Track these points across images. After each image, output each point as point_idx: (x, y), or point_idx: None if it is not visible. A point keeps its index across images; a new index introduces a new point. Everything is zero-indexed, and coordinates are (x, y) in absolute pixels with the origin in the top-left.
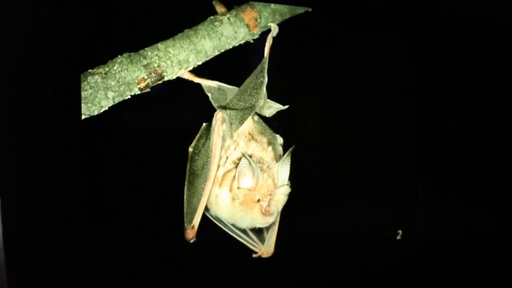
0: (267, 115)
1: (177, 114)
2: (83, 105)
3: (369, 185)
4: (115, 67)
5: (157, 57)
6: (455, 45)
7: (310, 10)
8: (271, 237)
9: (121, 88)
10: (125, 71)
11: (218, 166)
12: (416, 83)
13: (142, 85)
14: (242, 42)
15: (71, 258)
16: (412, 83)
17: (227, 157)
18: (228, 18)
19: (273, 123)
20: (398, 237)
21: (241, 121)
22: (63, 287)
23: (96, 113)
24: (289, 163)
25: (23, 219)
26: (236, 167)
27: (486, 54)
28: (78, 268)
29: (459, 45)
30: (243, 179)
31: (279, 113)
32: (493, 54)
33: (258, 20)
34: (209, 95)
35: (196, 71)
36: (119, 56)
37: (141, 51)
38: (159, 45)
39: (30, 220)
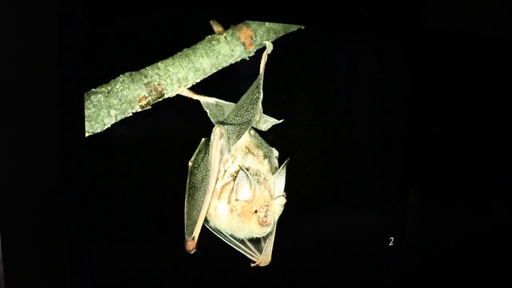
0: (263, 129)
1: (177, 130)
2: (86, 123)
3: (362, 194)
4: (117, 86)
5: (157, 76)
6: (444, 57)
7: (303, 28)
8: (268, 247)
9: (123, 106)
10: (127, 89)
11: (217, 179)
12: (406, 93)
13: (143, 102)
14: (239, 59)
15: (75, 270)
16: (403, 94)
17: (225, 171)
18: (225, 37)
19: (268, 137)
20: (391, 244)
21: (239, 136)
22: None
23: (99, 130)
24: (284, 174)
25: (26, 235)
26: (234, 180)
27: (474, 62)
28: (80, 280)
29: (448, 57)
30: (240, 191)
31: (274, 127)
32: (481, 62)
33: (254, 38)
34: (208, 111)
35: (194, 88)
36: (121, 75)
37: (142, 70)
38: (159, 64)
39: (33, 235)
